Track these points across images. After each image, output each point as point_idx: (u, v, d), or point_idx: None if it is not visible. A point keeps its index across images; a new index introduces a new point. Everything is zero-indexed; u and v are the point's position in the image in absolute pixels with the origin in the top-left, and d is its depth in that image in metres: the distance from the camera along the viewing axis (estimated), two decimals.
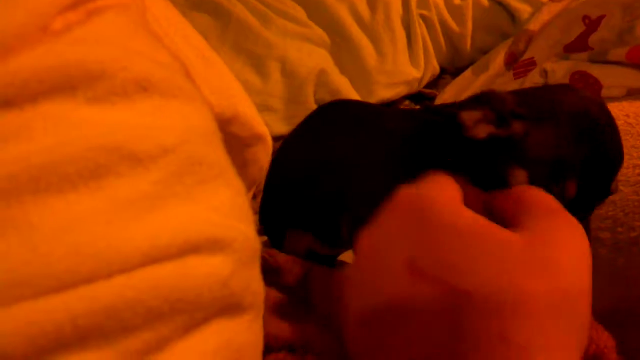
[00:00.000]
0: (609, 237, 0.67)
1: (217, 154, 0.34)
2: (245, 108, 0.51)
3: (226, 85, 0.51)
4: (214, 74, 0.49)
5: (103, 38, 0.31)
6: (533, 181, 0.51)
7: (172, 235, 0.28)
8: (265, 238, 0.80)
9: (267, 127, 1.15)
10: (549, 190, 0.48)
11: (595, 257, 0.65)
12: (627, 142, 0.72)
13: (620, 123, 0.75)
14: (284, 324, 0.58)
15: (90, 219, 0.26)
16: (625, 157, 0.70)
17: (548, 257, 0.37)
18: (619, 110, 0.78)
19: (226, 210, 0.32)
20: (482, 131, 0.53)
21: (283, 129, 1.19)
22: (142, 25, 0.35)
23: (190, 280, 0.28)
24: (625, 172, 0.70)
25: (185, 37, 0.48)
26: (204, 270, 0.29)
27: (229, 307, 0.31)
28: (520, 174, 0.52)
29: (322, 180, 0.66)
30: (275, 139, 1.18)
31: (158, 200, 0.28)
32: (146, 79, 0.30)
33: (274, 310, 0.59)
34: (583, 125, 0.52)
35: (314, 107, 1.21)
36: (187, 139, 0.31)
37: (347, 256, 0.81)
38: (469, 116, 0.53)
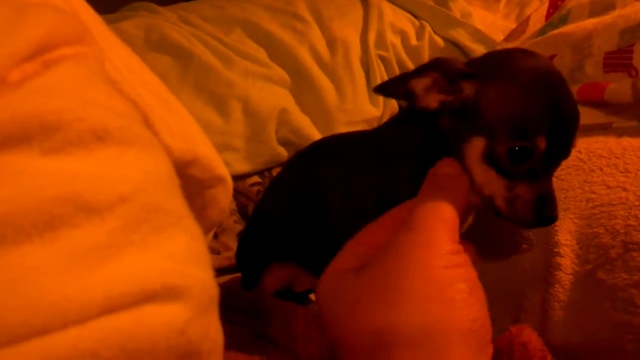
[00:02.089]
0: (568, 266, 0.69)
1: (174, 200, 0.34)
2: (206, 150, 0.51)
3: (186, 128, 0.51)
4: (174, 117, 0.50)
5: (59, 89, 0.31)
6: (494, 147, 0.49)
7: (127, 285, 0.28)
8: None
9: (229, 166, 1.16)
10: (513, 150, 0.48)
11: (554, 290, 0.67)
12: (579, 177, 0.74)
13: (572, 159, 0.78)
14: (245, 359, 0.57)
15: (45, 270, 0.25)
16: (577, 191, 0.72)
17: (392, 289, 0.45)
18: None
19: (183, 257, 0.32)
20: (434, 100, 0.52)
21: (245, 167, 1.19)
22: (99, 74, 0.35)
23: (146, 329, 0.28)
24: (579, 206, 0.71)
25: (145, 82, 0.48)
26: (160, 319, 0.29)
27: (186, 355, 0.30)
28: (479, 143, 0.50)
29: (309, 210, 0.66)
30: (237, 177, 1.19)
31: (113, 249, 0.28)
32: (102, 129, 0.30)
33: (235, 345, 0.59)
34: (540, 80, 0.50)
35: (276, 145, 1.22)
36: (144, 187, 0.31)
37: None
38: (418, 84, 0.52)
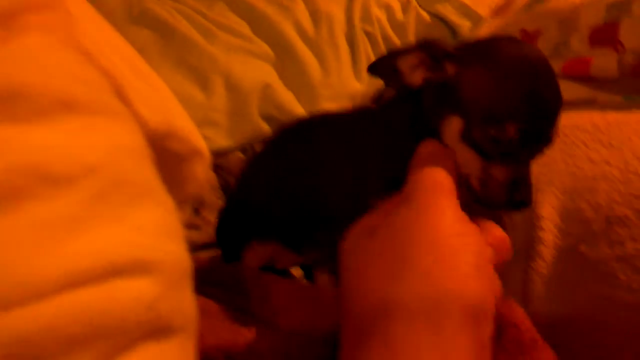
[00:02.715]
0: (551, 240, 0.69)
1: (145, 173, 0.33)
2: (183, 122, 0.50)
3: (163, 100, 0.50)
4: (150, 89, 0.48)
5: (24, 57, 0.30)
6: (469, 127, 0.50)
7: (95, 259, 0.27)
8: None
9: (210, 141, 1.15)
10: (487, 134, 0.49)
11: (536, 264, 0.67)
12: (563, 151, 0.73)
13: None
14: (224, 333, 0.57)
15: (5, 243, 0.24)
16: (561, 165, 0.72)
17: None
18: None
19: (153, 231, 0.31)
20: (418, 76, 0.53)
21: (227, 143, 1.18)
22: (68, 43, 0.34)
23: (113, 304, 0.27)
24: (562, 180, 0.71)
25: (120, 53, 0.47)
26: (129, 294, 0.28)
27: (156, 330, 0.30)
28: (456, 122, 0.51)
29: (298, 189, 0.66)
30: (219, 153, 1.18)
31: (80, 222, 0.27)
32: (69, 98, 0.29)
33: (214, 320, 0.58)
34: (518, 67, 0.50)
35: (259, 121, 1.20)
36: (112, 158, 0.30)
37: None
38: (405, 61, 0.53)
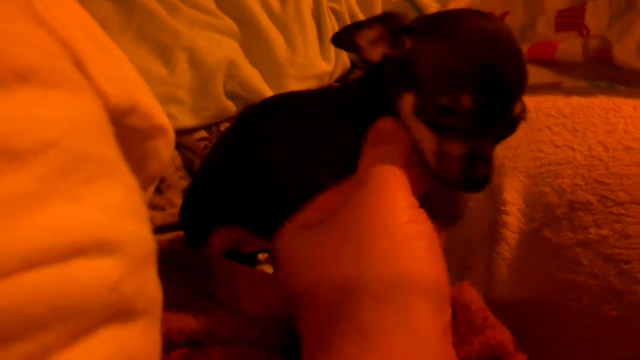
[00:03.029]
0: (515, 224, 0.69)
1: (107, 149, 0.32)
2: (145, 98, 0.48)
3: (124, 75, 0.49)
4: (111, 62, 0.47)
5: None
6: (424, 102, 0.49)
7: (54, 238, 0.26)
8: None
9: (174, 119, 1.12)
10: (440, 106, 0.48)
11: (500, 248, 0.68)
12: (527, 135, 0.74)
13: None
14: (187, 317, 0.56)
15: None
16: (525, 150, 0.73)
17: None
18: None
19: (116, 210, 0.30)
20: (377, 53, 0.52)
21: (191, 121, 1.15)
22: (25, 11, 0.32)
23: (74, 285, 0.26)
24: (526, 164, 0.72)
25: (80, 24, 0.45)
26: (90, 275, 0.27)
27: (119, 312, 0.29)
28: (410, 98, 0.50)
29: (262, 171, 0.64)
30: (183, 131, 1.15)
31: (38, 199, 0.26)
32: (26, 67, 0.28)
33: (177, 304, 0.57)
34: (476, 38, 0.49)
35: (224, 99, 1.18)
36: (72, 133, 0.29)
37: None
38: (364, 36, 0.52)
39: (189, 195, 0.81)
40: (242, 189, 0.67)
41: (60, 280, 0.26)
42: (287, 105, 0.67)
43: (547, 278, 0.65)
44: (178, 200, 0.99)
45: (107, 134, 0.33)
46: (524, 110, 0.51)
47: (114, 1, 1.18)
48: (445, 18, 0.53)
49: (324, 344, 0.43)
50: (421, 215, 0.47)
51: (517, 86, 0.50)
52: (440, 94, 0.48)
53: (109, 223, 0.29)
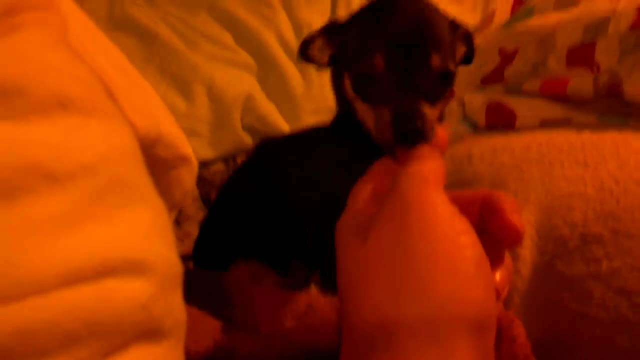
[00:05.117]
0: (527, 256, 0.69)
1: (139, 175, 0.33)
2: (170, 128, 0.50)
3: (150, 106, 0.51)
4: (138, 94, 0.49)
5: (21, 54, 0.30)
6: (351, 78, 0.54)
7: (89, 257, 0.27)
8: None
9: (192, 151, 1.14)
10: (360, 73, 0.53)
11: (513, 280, 0.68)
12: (539, 169, 0.75)
13: (533, 152, 0.79)
14: (205, 340, 0.57)
15: (3, 239, 0.24)
16: (537, 183, 0.73)
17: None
18: (532, 139, 0.82)
19: (147, 232, 0.31)
20: (324, 55, 0.60)
21: (209, 154, 1.17)
22: (62, 42, 0.34)
23: (108, 303, 0.27)
24: (539, 197, 0.72)
25: (108, 56, 0.47)
26: (123, 294, 0.28)
27: (148, 332, 0.30)
28: (347, 81, 0.56)
29: (280, 199, 0.68)
30: (202, 164, 1.17)
31: (76, 220, 0.27)
32: (65, 96, 0.30)
33: (195, 326, 0.58)
34: (382, 10, 0.54)
35: (241, 132, 1.20)
36: (108, 159, 0.30)
37: None
38: (313, 47, 0.60)
39: (205, 226, 0.83)
40: (258, 218, 0.68)
41: (94, 298, 0.27)
42: (297, 140, 0.73)
43: (559, 310, 0.65)
44: (195, 232, 1.00)
45: (139, 161, 0.34)
46: (447, 64, 0.52)
47: (135, 35, 1.21)
48: (366, 5, 0.58)
49: None
50: (464, 224, 0.41)
51: (425, 40, 0.51)
52: (358, 63, 0.53)
53: (140, 245, 0.30)
